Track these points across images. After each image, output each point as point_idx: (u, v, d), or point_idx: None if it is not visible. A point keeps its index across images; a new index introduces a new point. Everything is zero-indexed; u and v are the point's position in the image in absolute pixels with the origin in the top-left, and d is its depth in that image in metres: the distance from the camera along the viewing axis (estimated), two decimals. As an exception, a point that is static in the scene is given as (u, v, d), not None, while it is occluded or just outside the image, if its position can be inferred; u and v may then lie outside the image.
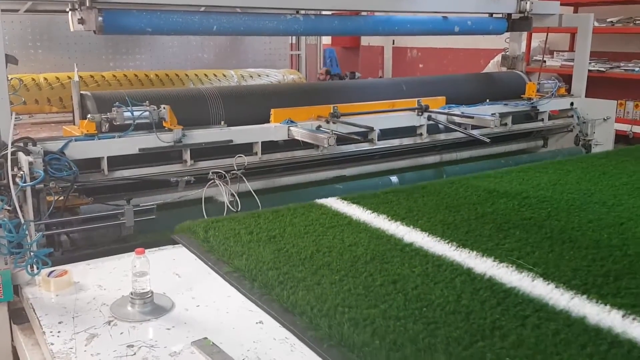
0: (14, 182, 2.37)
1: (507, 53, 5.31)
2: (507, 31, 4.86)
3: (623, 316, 1.83)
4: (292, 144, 3.56)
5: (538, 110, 4.67)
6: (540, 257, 2.30)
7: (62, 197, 2.74)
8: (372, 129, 3.69)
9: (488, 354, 1.62)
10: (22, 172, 2.42)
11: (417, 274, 2.15)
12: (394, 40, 11.33)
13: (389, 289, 2.02)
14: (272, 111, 3.57)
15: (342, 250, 2.37)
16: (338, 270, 2.18)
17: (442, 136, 4.22)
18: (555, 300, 1.94)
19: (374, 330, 1.73)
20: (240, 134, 3.34)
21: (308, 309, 1.87)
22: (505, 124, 4.43)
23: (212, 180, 3.14)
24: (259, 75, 6.66)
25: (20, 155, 2.49)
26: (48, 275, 2.13)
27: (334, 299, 1.94)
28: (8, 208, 2.27)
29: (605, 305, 1.90)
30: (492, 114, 4.07)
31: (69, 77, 5.49)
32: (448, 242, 2.45)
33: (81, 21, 3.02)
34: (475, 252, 2.34)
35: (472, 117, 4.00)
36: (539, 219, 2.77)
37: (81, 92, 3.25)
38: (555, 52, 7.76)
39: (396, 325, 1.76)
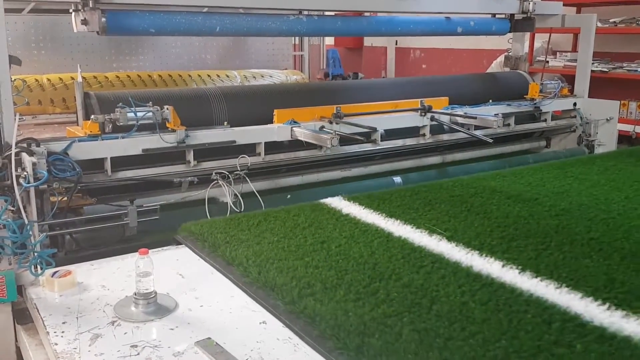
0: (18, 183, 2.38)
1: (510, 53, 5.31)
2: (510, 32, 4.86)
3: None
4: (295, 144, 3.56)
5: (541, 110, 4.67)
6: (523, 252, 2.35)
7: (65, 198, 2.74)
8: (375, 130, 3.69)
9: (381, 290, 2.00)
10: (25, 173, 2.43)
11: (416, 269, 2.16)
12: (396, 41, 11.33)
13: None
14: (275, 112, 3.57)
15: (343, 250, 2.37)
16: (342, 269, 2.18)
17: (445, 136, 4.22)
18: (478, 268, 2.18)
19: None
20: (244, 134, 3.35)
21: (314, 310, 1.87)
22: (508, 125, 4.43)
23: (216, 181, 3.14)
24: (262, 76, 6.67)
25: (24, 155, 2.50)
26: (52, 276, 2.13)
27: (338, 296, 1.94)
28: (12, 209, 2.28)
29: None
30: (495, 114, 4.07)
31: (72, 78, 5.51)
32: (446, 240, 2.49)
33: (84, 22, 3.02)
34: (479, 251, 2.36)
35: (475, 118, 4.00)
36: (538, 217, 2.77)
37: (85, 91, 3.26)
38: (558, 53, 7.76)
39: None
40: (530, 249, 2.39)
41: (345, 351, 1.66)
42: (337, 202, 3.01)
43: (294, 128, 3.47)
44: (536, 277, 2.11)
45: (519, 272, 2.15)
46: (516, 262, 2.24)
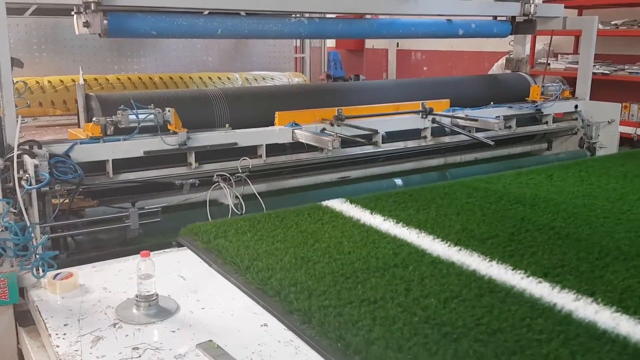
0: (20, 185, 2.38)
1: (512, 56, 5.31)
2: (511, 34, 4.86)
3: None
4: (296, 146, 3.56)
5: (542, 113, 4.67)
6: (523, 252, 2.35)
7: (67, 200, 2.75)
8: (376, 132, 3.69)
9: (381, 292, 2.03)
10: (27, 175, 2.43)
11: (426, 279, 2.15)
12: (398, 43, 11.31)
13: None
14: (277, 114, 3.57)
15: (345, 252, 2.37)
16: (342, 274, 2.18)
17: (446, 139, 4.22)
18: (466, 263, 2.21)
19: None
20: (245, 136, 3.35)
21: (316, 313, 1.87)
22: (510, 127, 4.43)
23: (217, 183, 3.14)
24: (264, 78, 6.67)
25: (26, 158, 2.50)
26: (54, 278, 2.14)
27: (339, 298, 1.94)
28: (14, 211, 2.28)
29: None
30: (496, 116, 4.06)
31: (73, 80, 5.51)
32: (447, 242, 2.49)
33: (86, 24, 3.03)
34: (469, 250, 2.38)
35: (477, 120, 4.00)
36: (539, 219, 2.77)
37: (86, 93, 3.26)
38: (559, 55, 7.75)
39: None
40: (538, 252, 2.39)
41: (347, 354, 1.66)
42: (339, 204, 3.01)
43: (295, 130, 3.47)
44: (545, 282, 2.11)
45: (524, 276, 2.15)
46: (520, 266, 2.24)
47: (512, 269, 2.20)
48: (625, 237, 2.54)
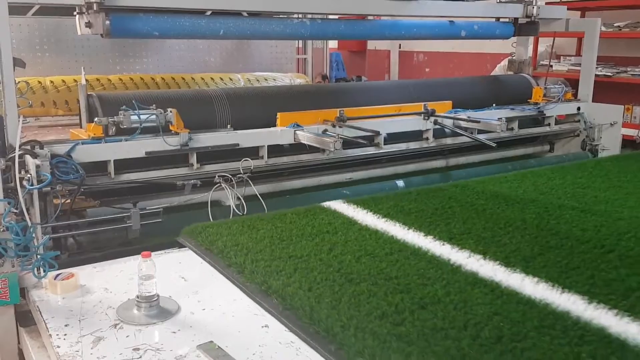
0: (21, 185, 2.38)
1: (514, 57, 5.30)
2: (513, 35, 4.84)
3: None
4: (298, 147, 3.56)
5: (545, 114, 4.66)
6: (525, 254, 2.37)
7: (68, 200, 2.74)
8: (378, 133, 3.69)
9: (383, 292, 2.06)
10: (29, 175, 2.43)
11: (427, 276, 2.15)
12: (400, 44, 11.32)
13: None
14: (279, 115, 3.57)
15: (347, 254, 2.37)
16: (346, 273, 2.18)
17: (448, 140, 4.22)
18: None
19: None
20: (247, 137, 3.35)
21: (317, 315, 1.87)
22: (512, 129, 4.42)
23: (219, 184, 3.14)
24: (266, 79, 6.67)
25: (28, 158, 2.50)
26: (55, 278, 2.14)
27: (341, 301, 1.94)
28: (15, 211, 2.27)
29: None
30: (498, 118, 4.06)
31: (75, 80, 5.52)
32: (449, 244, 2.49)
33: (88, 25, 3.03)
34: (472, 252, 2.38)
35: (479, 122, 3.99)
36: (540, 221, 2.77)
37: (88, 93, 3.26)
38: (562, 57, 7.74)
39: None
40: (544, 256, 2.38)
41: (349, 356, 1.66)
42: (340, 206, 3.01)
43: (297, 131, 3.47)
44: (542, 283, 2.11)
45: (524, 277, 2.15)
46: (521, 267, 2.23)
47: (517, 272, 2.20)
48: (627, 239, 2.54)
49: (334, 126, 3.60)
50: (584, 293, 2.01)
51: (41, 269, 2.14)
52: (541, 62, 7.64)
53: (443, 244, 2.48)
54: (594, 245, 2.46)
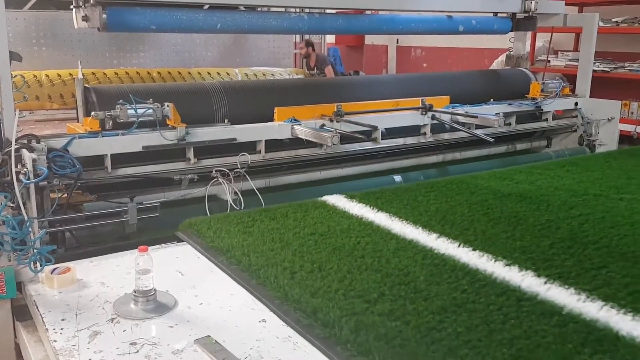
0: (18, 179, 2.37)
1: (512, 52, 5.31)
2: (511, 31, 4.85)
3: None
4: (295, 142, 3.56)
5: (542, 110, 4.66)
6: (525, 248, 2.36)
7: (65, 195, 2.74)
8: (376, 128, 3.69)
9: (377, 285, 2.09)
10: (25, 169, 2.42)
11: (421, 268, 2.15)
12: (398, 40, 11.32)
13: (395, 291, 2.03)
14: (276, 109, 3.56)
15: (344, 248, 2.37)
16: (343, 267, 2.18)
17: (446, 135, 4.22)
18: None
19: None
20: (244, 132, 3.34)
21: (314, 309, 1.87)
22: (509, 124, 4.42)
23: (216, 179, 3.14)
24: (264, 74, 6.66)
25: (24, 152, 2.49)
26: (51, 272, 2.13)
27: (338, 294, 1.94)
28: (11, 205, 2.27)
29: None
30: (496, 113, 4.06)
31: (71, 74, 5.51)
32: (446, 238, 2.49)
33: (85, 18, 3.02)
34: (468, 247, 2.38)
35: (476, 117, 3.99)
36: (537, 216, 2.77)
37: (84, 86, 3.25)
38: (559, 52, 7.75)
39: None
40: (538, 248, 2.39)
41: (346, 351, 1.66)
42: (338, 200, 3.01)
43: (294, 126, 3.46)
44: (539, 277, 2.11)
45: (519, 271, 2.15)
46: (517, 261, 2.24)
47: (514, 267, 2.21)
48: (623, 234, 2.54)
49: (331, 121, 3.60)
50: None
51: (38, 263, 2.13)
52: (539, 58, 7.64)
53: (439, 238, 2.48)
54: (591, 240, 2.47)
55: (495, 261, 2.24)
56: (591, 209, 2.89)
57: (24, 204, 2.33)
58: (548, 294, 1.98)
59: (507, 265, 2.20)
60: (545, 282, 2.04)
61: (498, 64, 7.63)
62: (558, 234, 2.54)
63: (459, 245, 2.40)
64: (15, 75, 2.83)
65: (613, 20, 7.05)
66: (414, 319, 1.80)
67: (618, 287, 2.03)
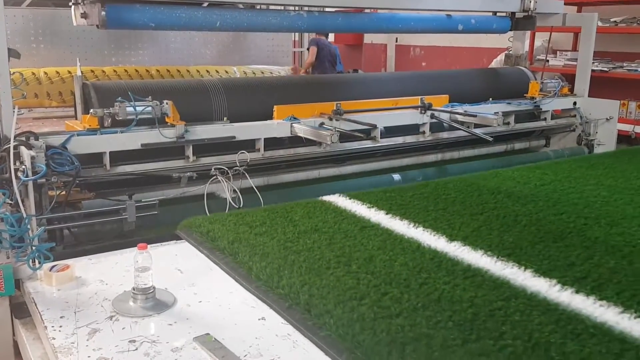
0: (16, 176, 2.37)
1: (511, 52, 5.31)
2: (510, 30, 4.85)
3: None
4: (294, 140, 3.55)
5: (541, 109, 4.66)
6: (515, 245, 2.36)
7: (64, 192, 2.73)
8: (375, 127, 3.69)
9: (375, 283, 2.09)
10: (24, 167, 2.42)
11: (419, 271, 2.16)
12: (397, 38, 11.32)
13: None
14: (275, 108, 3.56)
15: (344, 247, 2.36)
16: (342, 266, 2.18)
17: (444, 134, 4.22)
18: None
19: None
20: (243, 130, 3.34)
21: (314, 307, 1.86)
22: (508, 123, 4.42)
23: (215, 177, 3.13)
24: (263, 73, 6.65)
25: (23, 149, 2.49)
26: (50, 270, 2.13)
27: (336, 293, 1.94)
28: (10, 202, 2.27)
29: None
30: (494, 112, 4.06)
31: (69, 72, 5.49)
32: (446, 238, 2.48)
33: (84, 15, 3.01)
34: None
35: (475, 116, 4.00)
36: (537, 216, 2.77)
37: (83, 82, 3.25)
38: (558, 52, 7.75)
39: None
40: (535, 247, 2.39)
41: (345, 348, 1.66)
42: (337, 199, 3.00)
43: (293, 124, 3.46)
44: (539, 277, 2.11)
45: (518, 269, 2.15)
46: (515, 259, 2.24)
47: (511, 264, 2.21)
48: (619, 233, 2.55)
49: (330, 119, 3.60)
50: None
51: (36, 261, 2.13)
52: (537, 57, 7.64)
53: (439, 238, 2.48)
54: (589, 238, 2.47)
55: (495, 261, 2.24)
56: (589, 208, 2.90)
57: (23, 201, 2.33)
58: (548, 293, 1.98)
59: (506, 264, 2.21)
60: (545, 282, 2.05)
61: (497, 63, 7.63)
62: (557, 233, 2.55)
63: (456, 242, 2.40)
64: (14, 73, 2.83)
65: (612, 20, 7.05)
66: (416, 319, 1.80)
67: (618, 286, 2.04)
